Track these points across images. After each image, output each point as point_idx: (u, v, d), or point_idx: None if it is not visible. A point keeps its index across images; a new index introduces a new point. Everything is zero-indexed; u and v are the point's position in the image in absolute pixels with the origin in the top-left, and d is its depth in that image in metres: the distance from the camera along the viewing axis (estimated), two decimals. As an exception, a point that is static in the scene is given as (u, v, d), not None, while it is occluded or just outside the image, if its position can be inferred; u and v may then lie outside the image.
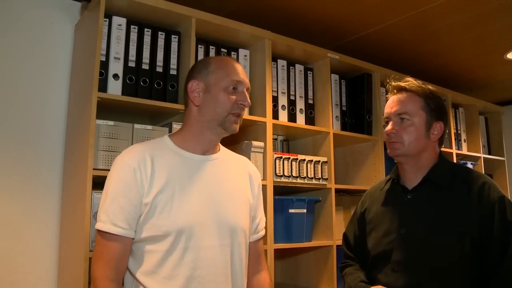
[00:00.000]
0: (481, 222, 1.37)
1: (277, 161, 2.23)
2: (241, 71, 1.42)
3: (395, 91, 1.57)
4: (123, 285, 1.31)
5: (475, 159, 3.53)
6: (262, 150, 2.19)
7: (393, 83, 1.58)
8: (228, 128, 1.39)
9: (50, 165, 2.04)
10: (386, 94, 2.81)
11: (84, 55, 1.96)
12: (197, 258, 1.28)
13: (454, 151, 3.30)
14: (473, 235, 1.37)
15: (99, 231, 1.27)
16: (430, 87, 1.57)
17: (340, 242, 1.74)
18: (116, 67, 1.87)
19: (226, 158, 1.48)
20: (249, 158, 2.13)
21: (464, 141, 3.53)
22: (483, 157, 3.60)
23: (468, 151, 3.52)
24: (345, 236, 1.73)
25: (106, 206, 1.27)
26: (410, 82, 1.55)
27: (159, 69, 1.97)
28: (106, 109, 1.84)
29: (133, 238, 1.28)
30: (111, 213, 1.26)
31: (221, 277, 1.32)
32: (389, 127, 1.53)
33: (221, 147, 1.49)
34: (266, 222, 2.10)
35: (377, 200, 1.63)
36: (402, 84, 1.55)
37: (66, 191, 1.99)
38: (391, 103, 1.56)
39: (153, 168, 1.30)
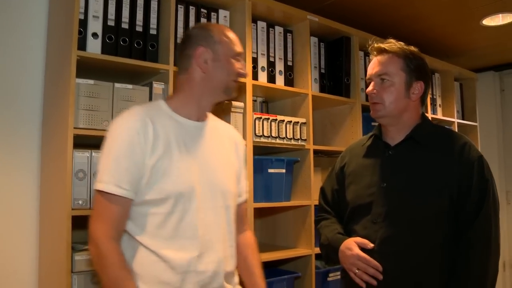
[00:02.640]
0: (460, 179, 1.43)
1: (257, 121, 2.26)
2: (239, 41, 1.49)
3: (375, 52, 1.60)
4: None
5: (449, 124, 3.61)
6: (242, 111, 2.22)
7: (374, 45, 1.61)
8: (231, 94, 1.48)
9: (29, 125, 2.02)
10: (366, 57, 2.86)
11: (62, 13, 1.93)
12: (195, 219, 1.35)
13: (429, 115, 3.37)
14: (452, 191, 1.43)
15: (100, 191, 1.28)
16: (412, 48, 1.59)
17: (318, 202, 1.80)
18: (95, 25, 1.85)
19: (215, 125, 1.54)
20: (229, 118, 2.17)
21: (439, 106, 3.61)
22: (457, 122, 3.69)
23: (443, 115, 3.60)
24: (322, 190, 1.79)
25: (109, 167, 1.29)
26: (391, 43, 1.58)
27: (139, 29, 1.96)
28: (86, 68, 1.82)
29: (133, 200, 1.31)
30: (116, 174, 1.28)
31: (218, 236, 1.40)
32: (370, 87, 1.57)
33: (209, 113, 1.53)
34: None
35: (357, 155, 1.68)
36: (382, 45, 1.58)
37: (45, 150, 1.99)
38: (372, 65, 1.59)
39: (154, 131, 1.33)
